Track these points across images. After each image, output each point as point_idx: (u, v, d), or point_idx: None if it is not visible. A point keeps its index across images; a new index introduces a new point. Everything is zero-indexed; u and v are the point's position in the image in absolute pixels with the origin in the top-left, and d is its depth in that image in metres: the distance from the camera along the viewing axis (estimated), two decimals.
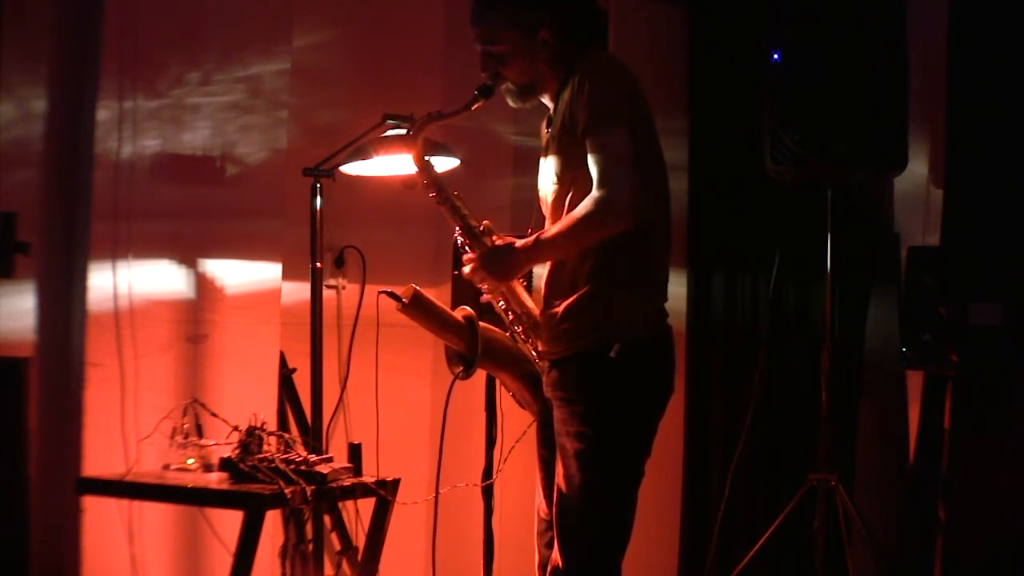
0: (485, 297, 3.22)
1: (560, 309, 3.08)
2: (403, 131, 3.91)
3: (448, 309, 3.27)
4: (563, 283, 3.09)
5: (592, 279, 3.05)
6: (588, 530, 3.03)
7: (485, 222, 3.19)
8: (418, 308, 3.20)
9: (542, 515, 3.22)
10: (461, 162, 3.98)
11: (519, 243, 3.10)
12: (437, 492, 3.40)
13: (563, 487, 3.05)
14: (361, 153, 3.95)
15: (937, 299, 4.14)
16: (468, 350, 3.26)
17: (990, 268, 4.19)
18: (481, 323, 3.26)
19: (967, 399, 4.15)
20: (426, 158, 3.21)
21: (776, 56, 4.28)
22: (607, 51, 3.28)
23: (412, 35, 4.89)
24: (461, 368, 3.30)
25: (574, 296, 3.06)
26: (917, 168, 4.46)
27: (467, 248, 3.18)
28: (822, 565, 4.28)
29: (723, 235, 4.97)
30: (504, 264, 3.10)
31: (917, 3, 4.46)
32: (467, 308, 3.30)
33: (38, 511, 3.70)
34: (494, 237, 3.16)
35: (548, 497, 3.18)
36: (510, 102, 3.23)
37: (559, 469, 3.07)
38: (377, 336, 4.14)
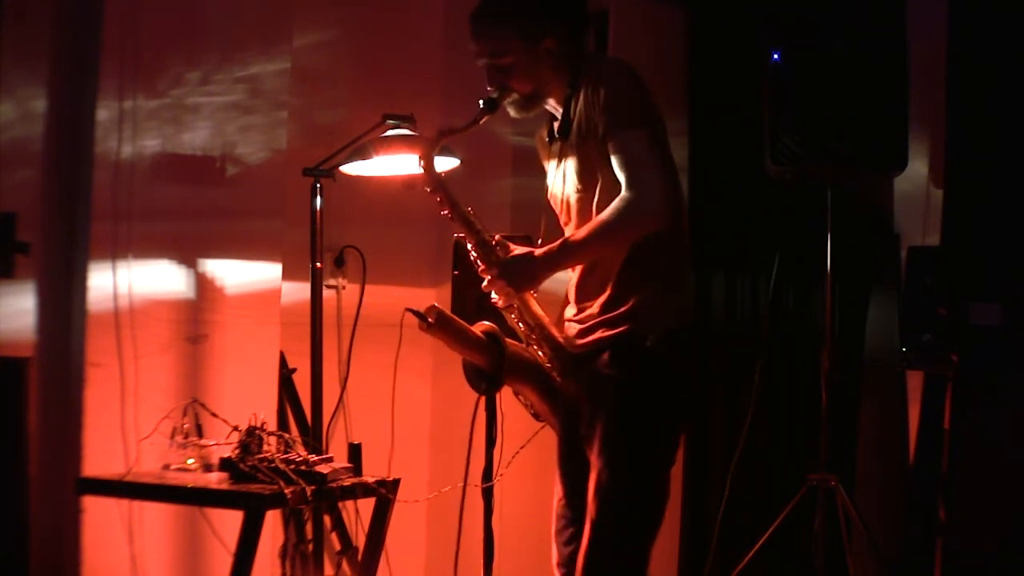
0: (498, 303, 3.23)
1: (595, 307, 3.14)
2: (403, 131, 3.92)
3: (469, 325, 3.25)
4: (594, 284, 3.16)
5: (623, 276, 3.11)
6: (629, 514, 3.09)
7: (497, 236, 3.20)
8: (443, 327, 3.18)
9: (559, 513, 3.27)
10: (461, 162, 3.98)
11: (539, 252, 3.13)
12: (463, 495, 3.40)
13: (603, 477, 3.08)
14: (361, 153, 3.95)
15: (937, 299, 4.14)
16: (491, 366, 3.24)
17: (990, 268, 4.19)
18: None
19: (967, 399, 4.15)
20: (440, 177, 3.21)
21: (776, 56, 4.28)
22: (613, 56, 3.30)
23: (412, 35, 4.89)
24: (484, 384, 3.28)
25: (607, 294, 3.12)
26: (917, 168, 4.46)
27: (479, 262, 3.19)
28: (822, 565, 4.28)
29: (723, 235, 4.97)
30: (524, 274, 3.13)
31: (917, 3, 4.46)
32: (486, 323, 3.28)
33: (38, 511, 3.69)
34: (509, 247, 3.18)
35: (568, 496, 3.24)
36: (512, 113, 3.25)
37: (596, 462, 3.10)
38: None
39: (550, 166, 3.32)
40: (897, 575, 4.34)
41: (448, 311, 3.20)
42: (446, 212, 3.22)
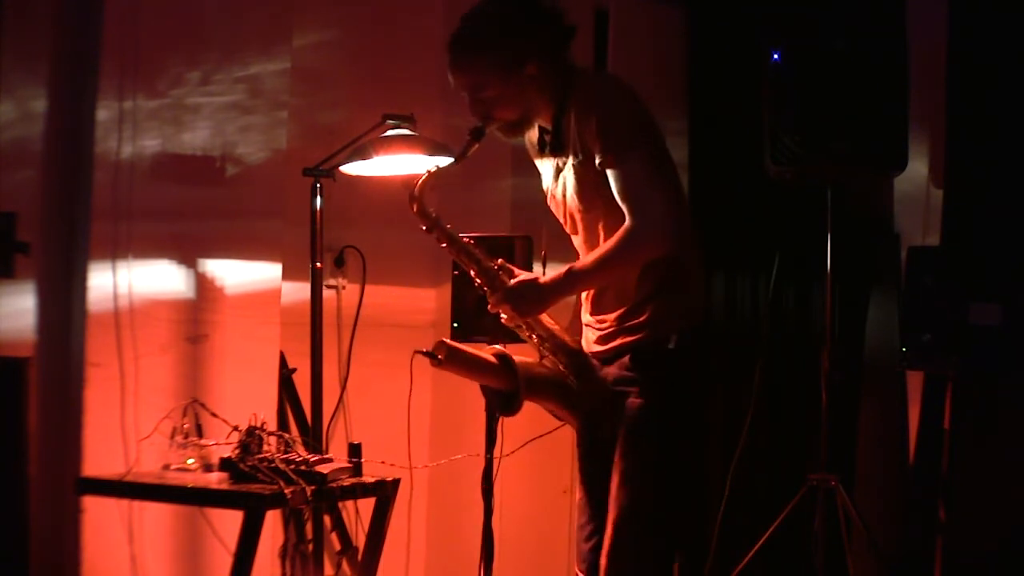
0: (506, 322, 3.23)
1: (612, 318, 3.15)
2: (403, 131, 3.92)
3: (479, 351, 3.23)
4: (610, 300, 3.17)
5: (639, 291, 3.12)
6: (653, 512, 3.10)
7: (499, 260, 3.20)
8: (453, 361, 3.16)
9: (580, 511, 3.29)
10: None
11: (544, 279, 3.14)
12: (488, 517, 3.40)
13: (627, 475, 3.09)
14: (361, 153, 3.95)
15: (937, 299, 4.14)
16: (508, 387, 3.22)
17: (990, 268, 4.19)
18: (516, 358, 3.23)
19: (967, 399, 4.15)
20: (436, 216, 3.20)
21: (776, 56, 4.28)
22: (602, 72, 3.24)
23: (412, 35, 4.89)
24: (504, 406, 3.27)
25: (624, 308, 3.13)
26: (917, 168, 4.46)
27: (484, 289, 3.19)
28: (822, 565, 4.28)
29: (723, 235, 4.97)
30: (531, 300, 3.13)
31: (917, 3, 4.46)
32: (496, 347, 3.27)
33: (38, 511, 3.70)
34: (513, 272, 3.18)
35: (589, 496, 3.26)
36: (502, 137, 3.22)
37: (619, 462, 3.11)
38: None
39: (544, 168, 3.30)
40: (897, 575, 4.34)
41: (454, 342, 3.16)
42: (444, 245, 3.21)
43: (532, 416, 3.38)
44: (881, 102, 4.23)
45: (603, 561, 3.12)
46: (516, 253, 3.82)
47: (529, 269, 3.69)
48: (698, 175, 5.03)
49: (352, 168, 4.03)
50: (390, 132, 3.92)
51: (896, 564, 4.36)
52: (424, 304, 4.78)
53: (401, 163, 3.89)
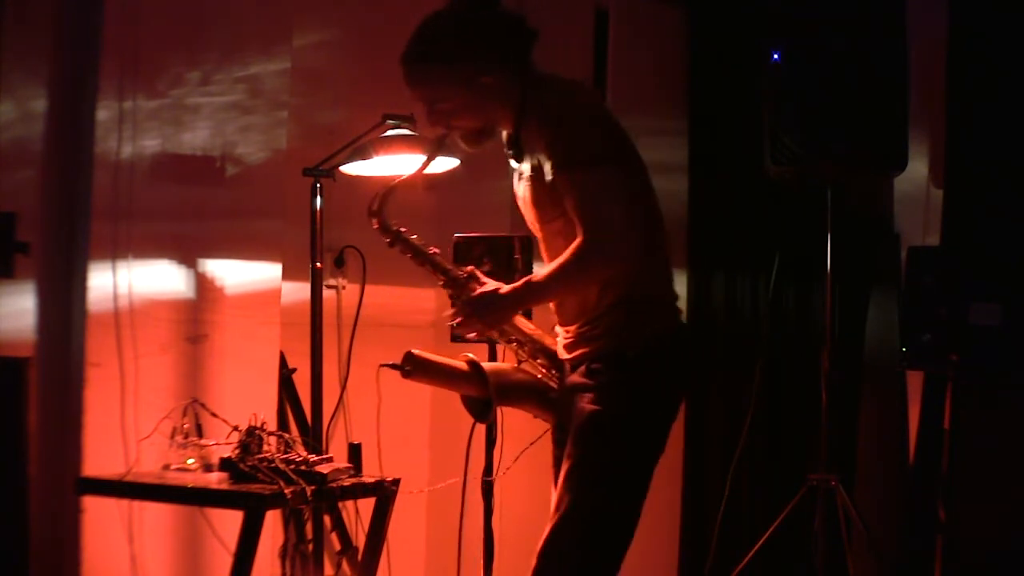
0: (472, 337, 3.21)
1: (573, 329, 3.11)
2: (403, 131, 3.92)
3: (449, 360, 3.22)
4: (572, 311, 3.11)
5: (599, 303, 3.05)
6: (589, 515, 3.02)
7: (468, 268, 3.19)
8: (422, 371, 3.17)
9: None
10: (460, 162, 3.98)
11: (505, 288, 3.10)
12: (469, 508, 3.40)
13: (570, 481, 3.03)
14: (361, 153, 3.95)
15: (937, 299, 4.14)
16: (482, 395, 3.23)
17: (990, 268, 4.19)
18: (486, 364, 3.22)
19: (967, 399, 4.15)
20: (397, 229, 3.19)
21: (776, 56, 4.29)
22: (566, 82, 3.15)
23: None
24: (479, 412, 3.27)
25: (583, 320, 3.08)
26: (917, 168, 4.47)
27: (451, 298, 3.17)
28: (822, 565, 4.28)
29: (723, 235, 4.98)
30: (491, 310, 3.09)
31: (917, 3, 4.47)
32: (467, 355, 3.27)
33: (38, 511, 3.70)
34: (481, 281, 3.16)
35: None
36: (466, 147, 3.19)
37: (564, 468, 3.05)
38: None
39: (514, 169, 3.27)
40: (897, 575, 4.34)
41: (424, 352, 3.16)
42: (409, 255, 3.20)
43: (531, 417, 3.39)
44: (881, 102, 4.24)
45: (533, 561, 3.05)
46: (516, 253, 3.82)
47: (530, 269, 3.70)
48: (698, 175, 5.04)
49: (352, 168, 4.03)
50: (390, 132, 3.92)
51: (896, 564, 4.36)
52: (424, 304, 4.78)
53: (401, 163, 3.88)
